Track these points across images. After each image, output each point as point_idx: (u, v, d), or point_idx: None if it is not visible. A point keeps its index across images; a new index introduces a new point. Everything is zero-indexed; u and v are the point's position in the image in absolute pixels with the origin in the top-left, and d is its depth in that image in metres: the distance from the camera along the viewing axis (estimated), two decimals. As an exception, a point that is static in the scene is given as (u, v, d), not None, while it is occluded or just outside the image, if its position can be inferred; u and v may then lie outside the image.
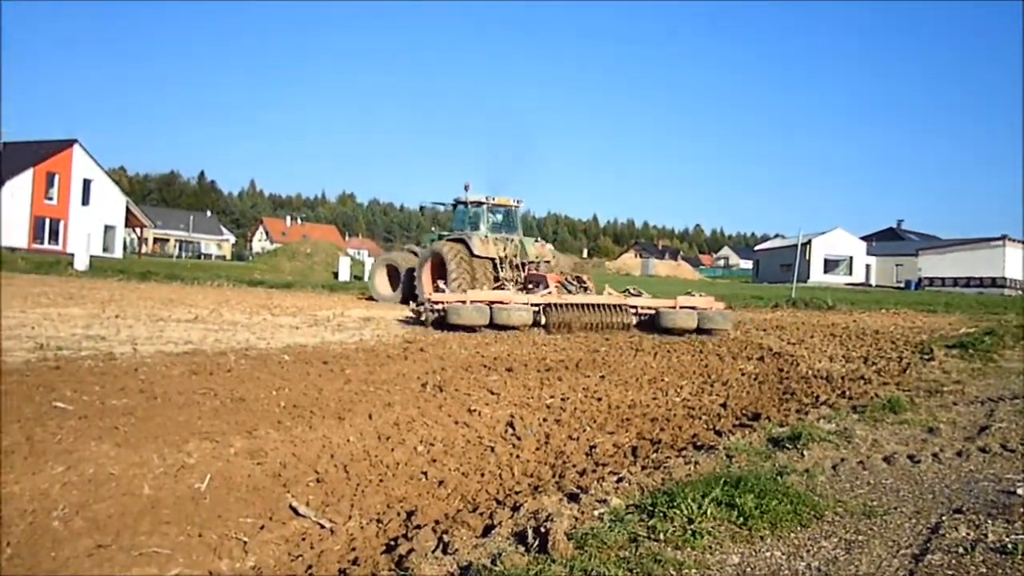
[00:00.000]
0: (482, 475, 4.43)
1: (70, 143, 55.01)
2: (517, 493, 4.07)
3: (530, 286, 16.81)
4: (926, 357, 9.81)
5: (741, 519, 3.29)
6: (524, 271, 19.12)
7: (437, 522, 3.58)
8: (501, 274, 18.90)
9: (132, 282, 23.99)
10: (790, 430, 5.06)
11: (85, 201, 55.35)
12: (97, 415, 5.04)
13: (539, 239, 21.93)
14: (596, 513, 3.40)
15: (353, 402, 6.15)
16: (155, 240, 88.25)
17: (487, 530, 3.36)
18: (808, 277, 55.50)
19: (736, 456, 4.42)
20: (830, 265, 60.84)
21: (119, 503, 3.56)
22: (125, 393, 5.78)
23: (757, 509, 3.34)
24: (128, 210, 59.17)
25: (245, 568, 3.11)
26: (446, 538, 3.22)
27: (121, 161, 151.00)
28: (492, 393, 6.86)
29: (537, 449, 5.04)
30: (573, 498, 3.71)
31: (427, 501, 3.94)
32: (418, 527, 3.49)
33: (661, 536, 3.09)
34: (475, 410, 6.05)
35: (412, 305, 15.98)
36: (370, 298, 22.11)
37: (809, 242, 56.31)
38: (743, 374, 8.58)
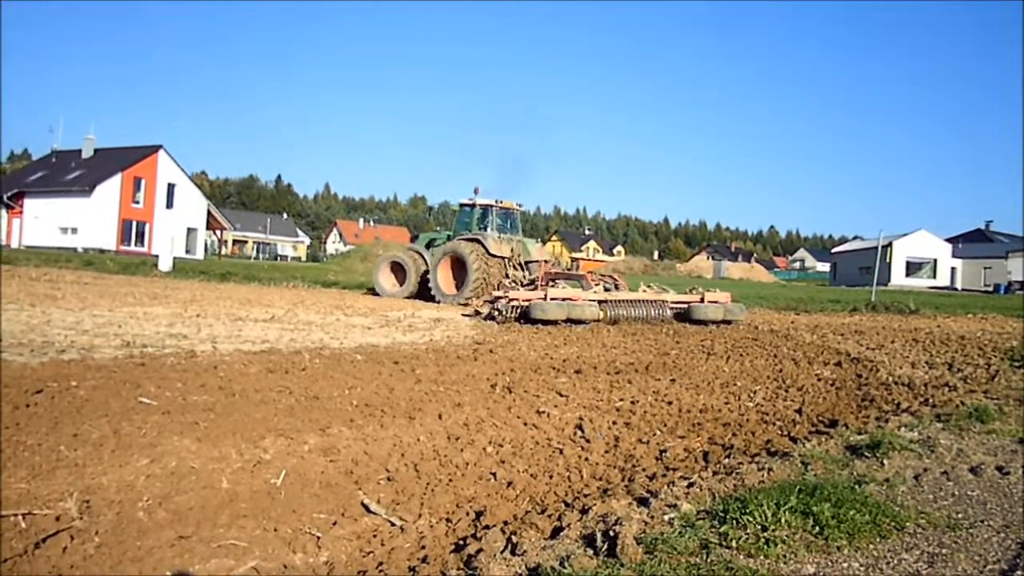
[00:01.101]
0: (550, 477, 4.42)
1: (155, 149, 57.27)
2: (586, 496, 4.05)
3: (554, 283, 17.34)
4: (1016, 364, 9.37)
5: (817, 528, 3.20)
6: (526, 270, 20.76)
7: (506, 523, 3.59)
8: (510, 272, 20.53)
9: (212, 283, 24.78)
10: (869, 438, 4.90)
11: (169, 204, 57.53)
12: (179, 411, 5.22)
13: (539, 240, 24.42)
14: (666, 518, 3.36)
15: (423, 402, 6.22)
16: (234, 242, 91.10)
17: (555, 532, 3.35)
18: (889, 280, 53.73)
19: (812, 463, 4.30)
20: (912, 268, 58.73)
21: (199, 496, 3.68)
22: (205, 390, 5.98)
23: (834, 519, 3.25)
24: (209, 213, 61.23)
25: (318, 563, 3.17)
26: (514, 539, 3.22)
27: (203, 166, 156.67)
28: (561, 395, 6.84)
29: (606, 452, 5.01)
30: (642, 502, 3.67)
31: (496, 502, 3.95)
32: (487, 527, 3.50)
33: (733, 543, 3.03)
34: (544, 412, 6.05)
35: (474, 302, 17.38)
36: (374, 293, 23.08)
37: (890, 244, 54.50)
38: (819, 379, 8.34)
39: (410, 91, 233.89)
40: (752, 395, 7.22)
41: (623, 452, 5.02)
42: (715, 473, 4.28)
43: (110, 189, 53.43)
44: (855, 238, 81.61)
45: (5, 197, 55.83)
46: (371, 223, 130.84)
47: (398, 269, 22.75)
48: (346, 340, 10.17)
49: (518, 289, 17.45)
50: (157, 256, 35.49)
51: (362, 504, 3.82)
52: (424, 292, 21.49)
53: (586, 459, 4.82)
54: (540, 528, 3.43)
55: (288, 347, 8.93)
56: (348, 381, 6.87)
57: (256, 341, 9.31)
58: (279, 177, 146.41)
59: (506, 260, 20.68)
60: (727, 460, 4.69)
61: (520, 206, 22.75)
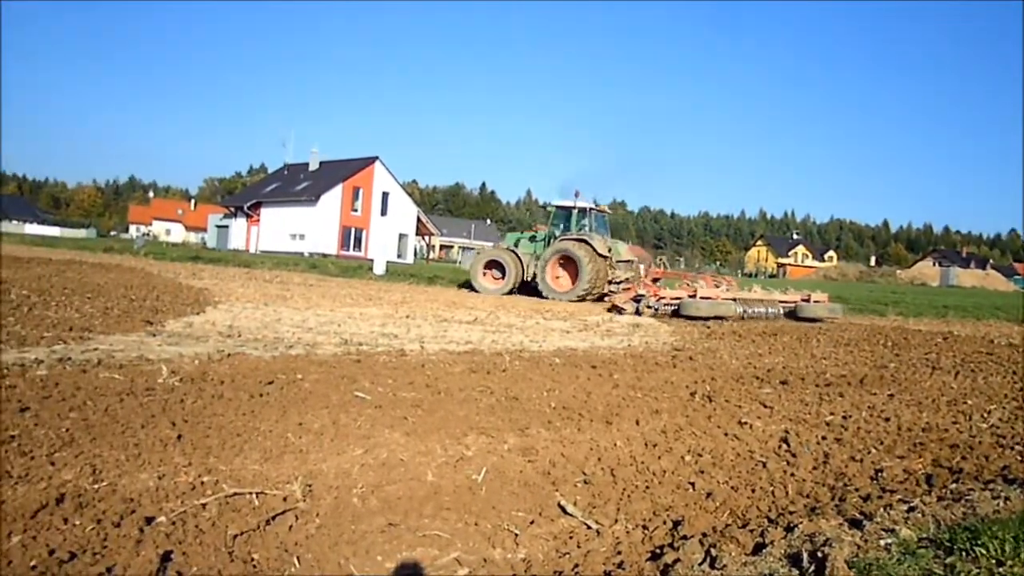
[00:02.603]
0: (753, 491, 4.24)
1: (372, 160, 61.36)
2: (791, 513, 3.84)
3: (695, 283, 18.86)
4: None
5: (1065, 568, 2.83)
6: (616, 270, 22.27)
7: (704, 534, 3.48)
8: (612, 272, 22.01)
9: (421, 285, 26.14)
10: None
11: (383, 212, 61.40)
12: (390, 405, 5.55)
13: (629, 242, 26.32)
14: (882, 543, 3.11)
15: (621, 407, 6.19)
16: (441, 247, 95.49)
17: (757, 548, 3.20)
18: None
19: (1059, 495, 3.81)
20: None
21: (407, 487, 3.89)
22: (413, 387, 6.31)
23: (1087, 559, 2.86)
24: (419, 219, 64.74)
25: (516, 559, 3.24)
26: (714, 552, 3.12)
27: (414, 175, 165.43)
28: (765, 406, 6.55)
29: (814, 468, 4.72)
30: (855, 524, 3.42)
31: (694, 512, 3.84)
32: (684, 537, 3.42)
33: (961, 576, 2.75)
34: (746, 423, 5.82)
35: (616, 298, 18.51)
36: (471, 288, 24.21)
37: None
38: (1069, 400, 7.38)
39: (605, 95, 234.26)
40: (986, 415, 6.52)
41: (833, 469, 4.71)
42: (940, 499, 3.90)
43: (332, 198, 57.94)
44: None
45: (245, 207, 62.20)
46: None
47: (496, 267, 23.86)
48: (545, 343, 10.34)
49: (626, 289, 19.18)
50: (372, 260, 38.03)
51: (559, 505, 3.86)
52: (522, 289, 23.15)
53: (792, 474, 4.57)
54: (741, 543, 3.29)
55: (490, 348, 9.22)
56: (546, 383, 6.98)
57: (460, 342, 9.70)
58: (483, 184, 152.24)
59: (608, 260, 21.99)
60: (954, 485, 4.26)
61: (611, 209, 24.65)
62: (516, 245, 24.24)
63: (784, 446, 5.20)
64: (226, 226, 66.53)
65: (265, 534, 3.16)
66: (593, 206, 23.46)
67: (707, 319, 15.99)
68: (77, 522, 3.02)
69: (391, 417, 5.20)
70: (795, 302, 18.59)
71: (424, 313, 13.90)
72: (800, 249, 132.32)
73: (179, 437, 4.28)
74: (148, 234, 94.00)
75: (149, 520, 3.12)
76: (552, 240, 23.28)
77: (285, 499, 3.54)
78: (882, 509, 3.67)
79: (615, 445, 4.97)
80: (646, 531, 3.58)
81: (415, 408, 5.53)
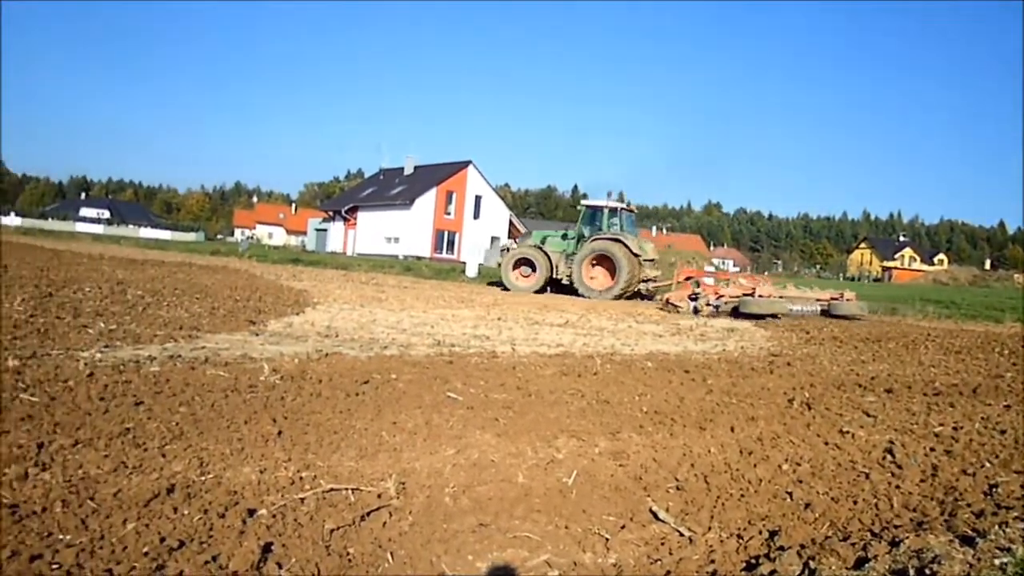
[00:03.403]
0: (854, 502, 4.07)
1: (466, 164, 62.20)
2: (896, 527, 3.67)
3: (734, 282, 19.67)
4: None
5: None
6: (643, 267, 23.01)
7: (802, 546, 3.37)
8: (642, 271, 22.83)
9: (561, 293, 26.23)
10: None
11: (476, 215, 62.11)
12: (481, 407, 5.59)
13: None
14: (997, 562, 2.94)
15: (714, 413, 6.06)
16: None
17: (859, 562, 3.07)
18: None
19: None
20: None
21: (498, 488, 3.91)
22: (504, 389, 6.34)
23: None
24: (511, 222, 65.13)
25: (606, 564, 3.22)
26: (812, 564, 3.01)
27: (506, 179, 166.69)
28: (868, 415, 6.28)
29: (921, 481, 4.50)
30: (967, 541, 3.24)
31: (791, 522, 3.72)
32: (781, 548, 3.31)
33: (1087, 602, 2.57)
34: (848, 432, 5.59)
35: (672, 296, 19.20)
36: (502, 287, 24.77)
37: None
38: None
39: (696, 95, 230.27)
40: (1114, 429, 6.07)
41: (942, 483, 4.47)
42: (1063, 517, 3.65)
43: (426, 202, 59.01)
44: None
45: (343, 211, 63.98)
46: (663, 231, 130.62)
47: (526, 264, 24.47)
48: (637, 347, 10.23)
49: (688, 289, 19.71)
50: (464, 263, 38.50)
51: (650, 511, 3.81)
52: (552, 287, 23.95)
53: (897, 487, 4.37)
54: (842, 556, 3.17)
55: (581, 351, 9.19)
56: (638, 387, 6.90)
57: (551, 344, 9.70)
58: (575, 187, 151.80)
59: (640, 259, 22.74)
60: (1079, 503, 3.99)
61: (635, 208, 25.70)
62: (543, 243, 24.81)
63: (889, 457, 4.97)
64: (325, 229, 68.68)
65: (360, 530, 3.24)
66: (622, 206, 24.33)
67: (763, 317, 16.65)
68: (185, 512, 3.17)
69: (482, 418, 5.25)
70: (829, 300, 19.23)
71: (515, 315, 13.96)
72: (907, 252, 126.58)
73: (279, 433, 4.43)
74: (252, 237, 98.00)
75: (251, 512, 3.24)
76: (582, 239, 23.81)
77: (379, 496, 3.61)
78: (997, 526, 3.46)
79: (709, 451, 4.87)
80: (741, 540, 3.49)
81: (506, 410, 5.56)
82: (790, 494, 4.15)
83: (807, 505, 3.98)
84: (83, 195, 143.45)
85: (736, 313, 17.16)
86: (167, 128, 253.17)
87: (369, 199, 63.73)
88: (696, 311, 17.38)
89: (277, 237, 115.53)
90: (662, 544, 3.44)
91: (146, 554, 2.77)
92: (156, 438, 4.10)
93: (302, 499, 3.45)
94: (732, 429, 5.50)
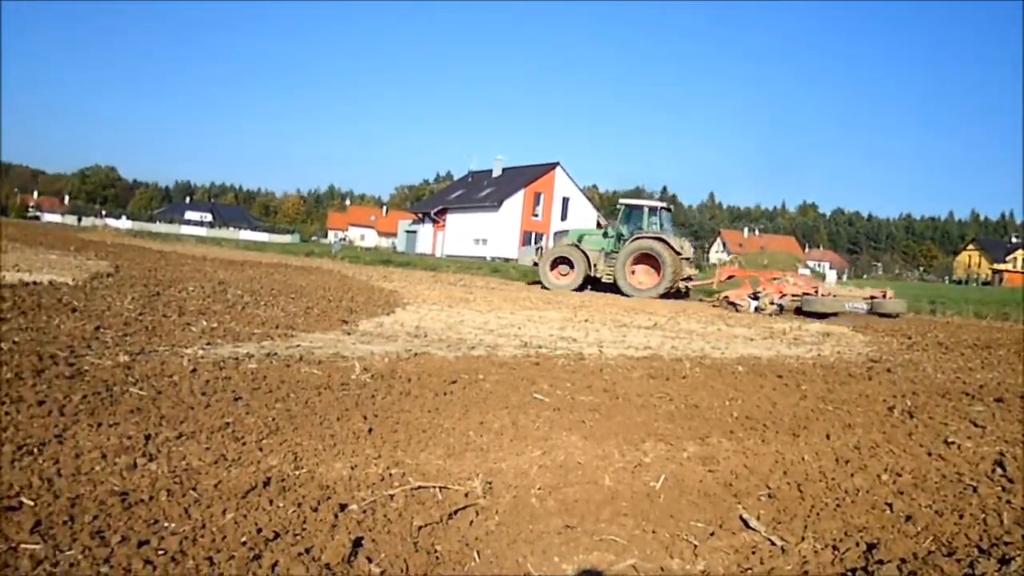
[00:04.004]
0: (960, 516, 3.87)
1: (553, 166, 62.26)
2: (1007, 544, 3.47)
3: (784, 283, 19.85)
4: None
5: None
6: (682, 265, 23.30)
7: (903, 560, 3.22)
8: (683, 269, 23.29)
9: (599, 291, 26.13)
10: None
11: (563, 216, 62.10)
12: (568, 408, 5.58)
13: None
14: (1120, 586, 2.74)
15: (809, 419, 5.87)
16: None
17: (966, 580, 2.92)
18: None
19: None
20: None
21: (584, 490, 3.89)
22: (591, 391, 6.31)
23: None
24: (598, 223, 64.67)
25: (694, 571, 3.16)
26: (914, 580, 2.88)
27: (594, 180, 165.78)
28: (976, 425, 5.97)
29: (1035, 496, 4.24)
30: (1085, 562, 3.04)
31: (891, 535, 3.57)
32: (880, 562, 3.18)
33: None
34: (954, 442, 5.33)
35: (730, 295, 19.40)
36: (540, 285, 25.00)
37: None
38: None
39: (806, 93, 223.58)
40: None
41: (1058, 499, 4.21)
42: None
43: (514, 204, 59.33)
44: None
45: (432, 213, 64.99)
46: (756, 232, 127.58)
47: (564, 263, 24.85)
48: (727, 350, 10.02)
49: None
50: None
51: (741, 518, 3.72)
52: (591, 285, 24.52)
53: (1008, 501, 4.13)
54: (946, 572, 3.02)
55: (669, 354, 9.06)
56: (728, 392, 6.76)
57: (639, 347, 9.60)
58: (664, 188, 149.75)
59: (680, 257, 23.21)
60: None
61: (672, 207, 26.41)
62: (580, 241, 25.20)
63: (999, 470, 4.71)
64: (414, 231, 69.92)
65: (447, 527, 3.28)
66: (661, 205, 25.11)
67: (826, 315, 17.13)
68: (280, 504, 3.27)
69: (569, 420, 5.23)
70: (874, 298, 19.45)
71: (603, 318, 13.88)
72: (1020, 254, 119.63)
73: (370, 430, 4.52)
74: (344, 239, 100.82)
75: (343, 507, 3.32)
76: (621, 238, 24.22)
77: (467, 495, 3.65)
78: (1120, 547, 3.24)
79: (802, 459, 4.72)
80: (836, 552, 3.37)
81: (593, 412, 5.52)
82: (890, 505, 3.98)
83: (908, 518, 3.81)
84: (188, 199, 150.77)
85: (798, 312, 17.56)
86: (266, 134, 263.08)
87: (458, 201, 64.54)
88: (758, 310, 17.64)
89: (369, 239, 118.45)
90: (753, 553, 3.35)
91: (244, 543, 2.88)
92: (253, 432, 4.25)
93: (391, 496, 3.52)
94: (827, 437, 5.32)
